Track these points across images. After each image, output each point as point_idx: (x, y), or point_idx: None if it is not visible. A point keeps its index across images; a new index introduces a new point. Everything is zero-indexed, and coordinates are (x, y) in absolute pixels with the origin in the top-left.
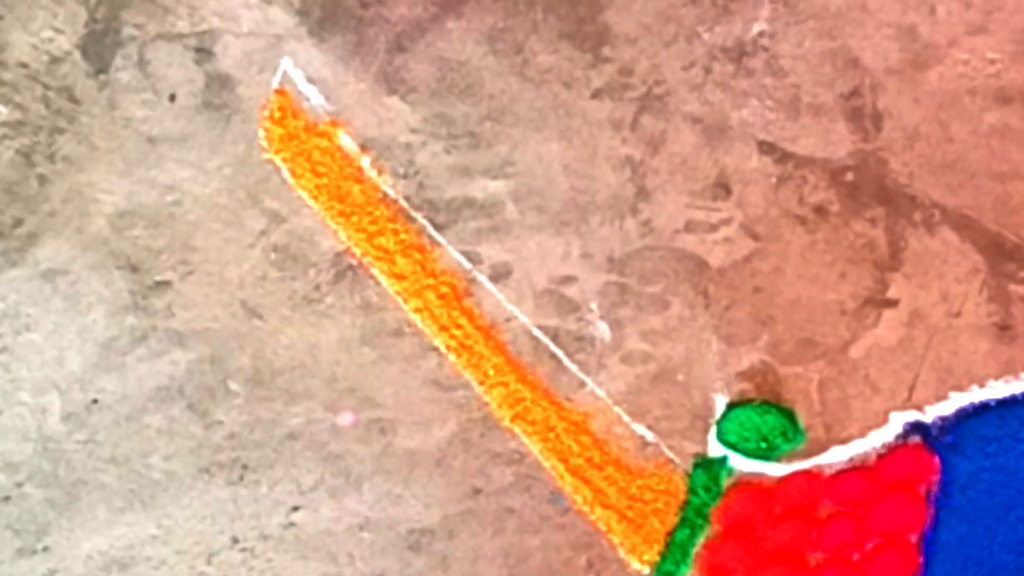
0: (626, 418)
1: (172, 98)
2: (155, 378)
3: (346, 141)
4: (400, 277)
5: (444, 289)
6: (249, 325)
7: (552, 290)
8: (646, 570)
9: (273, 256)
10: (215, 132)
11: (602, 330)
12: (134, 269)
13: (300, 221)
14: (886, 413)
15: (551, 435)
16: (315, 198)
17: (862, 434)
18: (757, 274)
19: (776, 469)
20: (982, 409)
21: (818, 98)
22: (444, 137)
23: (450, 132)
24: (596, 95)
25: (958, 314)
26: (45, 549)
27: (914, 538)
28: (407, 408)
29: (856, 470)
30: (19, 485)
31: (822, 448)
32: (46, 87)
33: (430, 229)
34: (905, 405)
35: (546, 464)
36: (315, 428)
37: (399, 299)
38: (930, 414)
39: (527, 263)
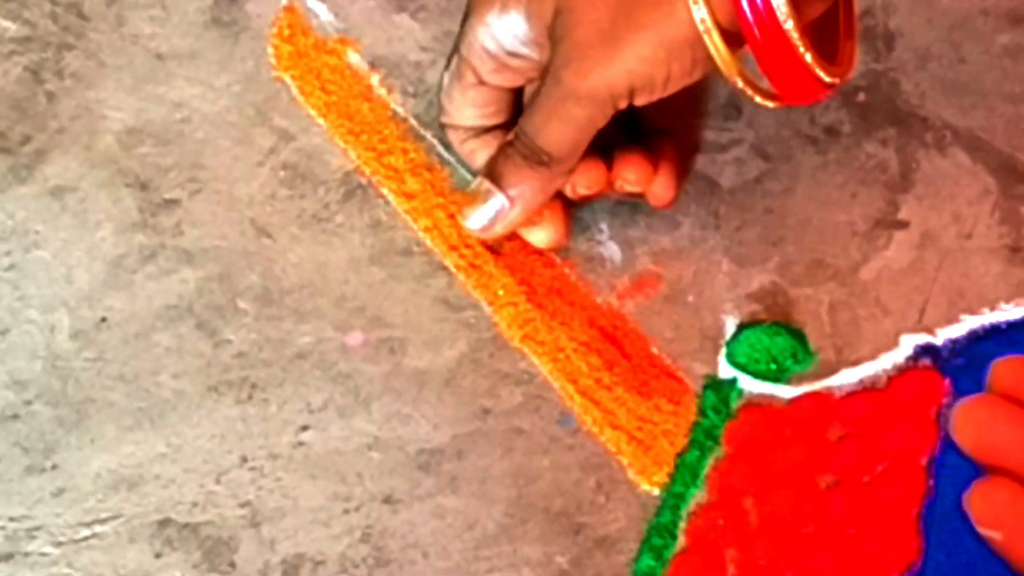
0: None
1: None
2: (164, 296)
3: (355, 59)
4: (409, 196)
5: (454, 208)
6: (258, 244)
7: None
8: (655, 491)
9: (282, 174)
10: (224, 49)
11: (612, 250)
12: (143, 187)
13: (309, 139)
14: (896, 335)
15: (560, 356)
16: (324, 116)
17: (872, 356)
18: (768, 195)
19: (786, 391)
20: (993, 331)
21: None
22: None
23: None
24: None
25: (969, 236)
26: (54, 467)
27: (924, 460)
28: (416, 328)
29: (866, 392)
30: (28, 403)
31: (832, 370)
32: (54, 3)
33: (440, 148)
34: (916, 327)
35: (555, 385)
36: (324, 347)
37: (408, 218)
38: (941, 336)
39: None
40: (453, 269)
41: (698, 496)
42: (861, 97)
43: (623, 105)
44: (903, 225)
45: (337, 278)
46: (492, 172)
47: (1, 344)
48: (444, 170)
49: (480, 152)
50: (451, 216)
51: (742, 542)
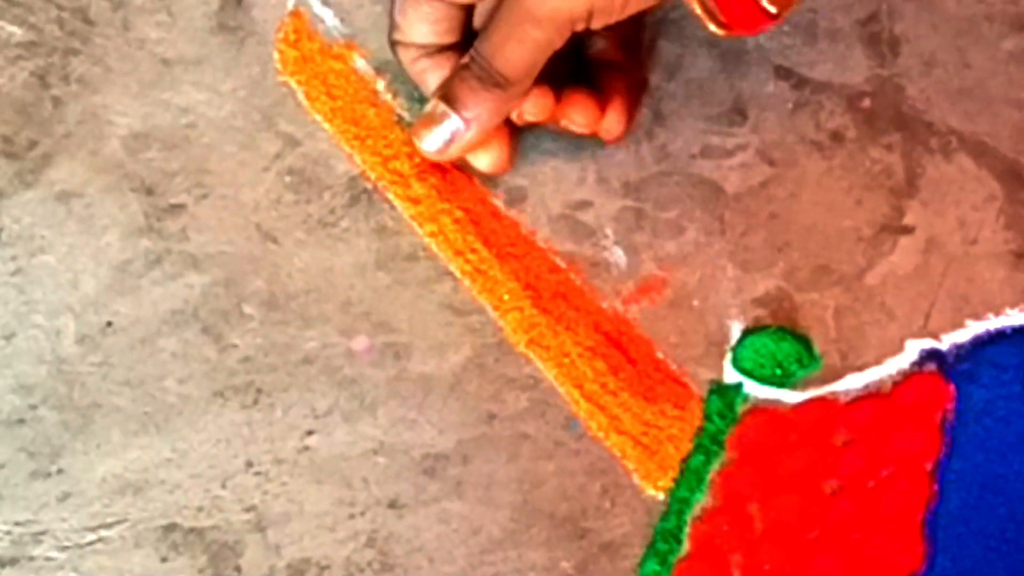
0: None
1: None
2: (169, 301)
3: (361, 64)
4: (415, 201)
5: (459, 214)
6: (264, 249)
7: (567, 215)
8: (660, 496)
9: (288, 179)
10: (229, 54)
11: (617, 255)
12: (149, 192)
13: (315, 144)
14: (902, 340)
15: (566, 360)
16: (330, 121)
17: (878, 361)
18: (773, 200)
19: (791, 396)
20: (998, 337)
21: (835, 23)
22: None
23: None
24: None
25: (975, 241)
26: (59, 472)
27: (929, 466)
28: (422, 333)
29: (871, 397)
30: (33, 408)
31: (837, 375)
32: (60, 8)
33: None
34: (921, 332)
35: (561, 390)
36: (330, 352)
37: (414, 223)
38: (946, 342)
39: (542, 188)
40: (458, 274)
41: (703, 501)
42: (866, 103)
43: (581, 27)
44: (908, 230)
45: (343, 283)
46: (447, 94)
47: (7, 349)
48: (451, 173)
49: (431, 73)
50: (456, 221)
51: (747, 547)
